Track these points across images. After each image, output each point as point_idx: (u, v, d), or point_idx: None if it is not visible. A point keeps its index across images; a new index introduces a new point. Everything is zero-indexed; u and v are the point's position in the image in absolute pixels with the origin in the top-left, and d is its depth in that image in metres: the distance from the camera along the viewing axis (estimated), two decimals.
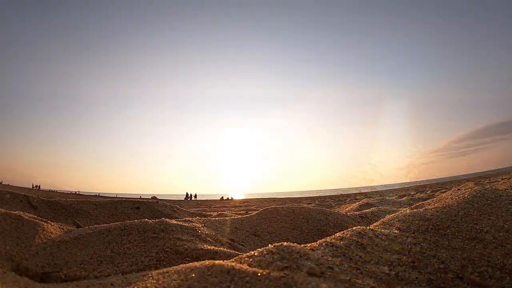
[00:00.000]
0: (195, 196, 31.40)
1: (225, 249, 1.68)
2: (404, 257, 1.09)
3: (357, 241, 1.13)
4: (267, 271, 0.84)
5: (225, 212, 4.61)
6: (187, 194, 31.07)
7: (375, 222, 1.62)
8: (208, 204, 15.81)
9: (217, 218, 2.57)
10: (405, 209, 1.69)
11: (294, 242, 1.18)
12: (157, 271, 1.09)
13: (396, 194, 12.64)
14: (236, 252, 1.68)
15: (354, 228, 1.25)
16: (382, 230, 1.25)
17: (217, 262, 0.97)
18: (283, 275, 0.80)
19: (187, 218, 2.35)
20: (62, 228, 1.92)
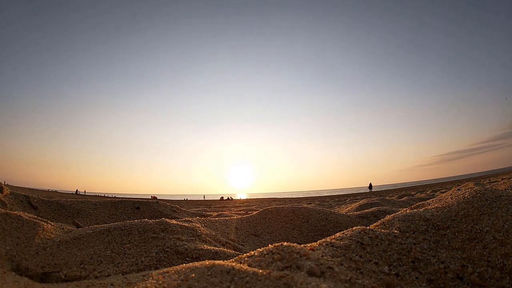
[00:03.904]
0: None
1: (225, 249, 1.68)
2: (404, 257, 1.09)
3: (357, 241, 1.13)
4: (267, 271, 0.84)
5: (225, 212, 4.61)
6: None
7: (375, 222, 1.62)
8: (208, 204, 15.81)
9: (217, 218, 2.57)
10: (405, 209, 1.69)
11: (294, 242, 1.18)
12: (157, 271, 1.09)
13: (396, 194, 12.65)
14: (236, 252, 1.68)
15: (354, 228, 1.25)
16: (382, 230, 1.25)
17: (217, 262, 0.97)
18: (283, 275, 0.80)
19: (187, 218, 2.35)
20: (62, 228, 1.92)
